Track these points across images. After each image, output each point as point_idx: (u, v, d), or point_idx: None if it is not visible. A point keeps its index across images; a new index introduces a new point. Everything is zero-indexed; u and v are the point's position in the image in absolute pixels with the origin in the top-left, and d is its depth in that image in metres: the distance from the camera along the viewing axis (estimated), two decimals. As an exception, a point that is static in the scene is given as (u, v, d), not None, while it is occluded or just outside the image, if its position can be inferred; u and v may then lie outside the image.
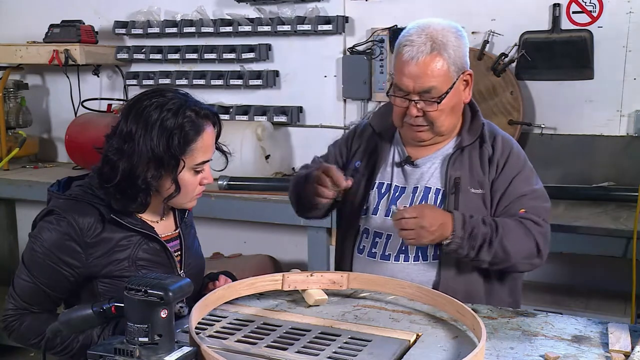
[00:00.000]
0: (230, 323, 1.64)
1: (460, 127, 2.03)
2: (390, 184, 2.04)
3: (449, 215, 1.87)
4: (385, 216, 2.01)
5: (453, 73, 1.92)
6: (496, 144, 2.00)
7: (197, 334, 1.45)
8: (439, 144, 2.02)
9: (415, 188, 2.00)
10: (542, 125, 3.22)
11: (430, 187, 1.99)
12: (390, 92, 1.99)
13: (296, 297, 1.84)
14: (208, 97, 3.83)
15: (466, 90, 1.99)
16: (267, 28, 3.67)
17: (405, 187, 2.02)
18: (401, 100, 1.95)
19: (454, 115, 1.98)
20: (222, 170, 1.85)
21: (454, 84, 1.92)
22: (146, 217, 1.76)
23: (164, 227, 1.81)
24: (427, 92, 1.91)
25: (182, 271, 1.80)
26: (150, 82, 3.97)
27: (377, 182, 2.06)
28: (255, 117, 3.74)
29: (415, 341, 1.56)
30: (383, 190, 2.04)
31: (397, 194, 2.02)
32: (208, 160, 1.73)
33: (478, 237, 1.85)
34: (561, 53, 3.16)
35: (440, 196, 1.97)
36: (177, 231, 1.84)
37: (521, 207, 1.93)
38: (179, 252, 1.82)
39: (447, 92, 1.91)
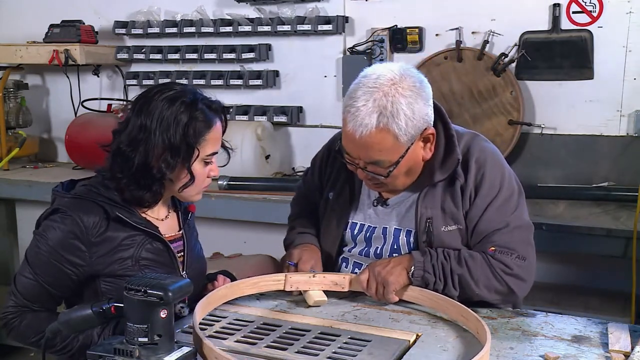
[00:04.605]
0: (230, 323, 1.65)
1: (432, 162, 1.85)
2: (364, 224, 1.97)
3: (402, 254, 1.85)
4: (359, 254, 1.97)
5: (405, 142, 1.72)
6: (469, 171, 1.83)
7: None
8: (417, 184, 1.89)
9: (385, 228, 1.92)
10: (542, 125, 3.22)
11: (401, 229, 1.90)
12: (339, 150, 1.83)
13: (296, 298, 1.84)
14: (210, 94, 3.82)
15: (427, 147, 1.81)
16: (267, 28, 3.66)
17: (376, 227, 1.94)
18: (349, 162, 1.82)
19: (410, 175, 1.84)
20: (224, 165, 1.87)
21: (407, 150, 1.74)
22: (151, 216, 1.77)
23: (168, 227, 1.82)
24: (373, 163, 1.76)
25: (184, 272, 1.80)
26: (150, 82, 3.97)
27: (350, 221, 1.99)
28: (255, 117, 3.74)
29: (415, 341, 1.56)
30: (356, 231, 1.98)
31: (368, 234, 1.95)
32: (216, 152, 1.77)
33: (439, 267, 1.76)
34: (561, 53, 3.16)
35: (412, 238, 1.88)
36: (180, 232, 1.85)
37: (491, 244, 1.79)
38: (182, 253, 1.83)
39: (397, 163, 1.75)
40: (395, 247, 1.91)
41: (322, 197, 2.08)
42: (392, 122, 1.68)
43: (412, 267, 1.77)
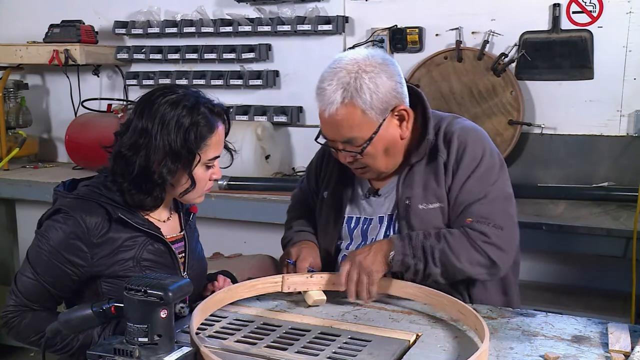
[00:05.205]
0: (230, 323, 1.65)
1: (411, 144, 1.89)
2: (360, 217, 1.98)
3: (381, 240, 1.85)
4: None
5: (375, 117, 1.77)
6: (451, 146, 1.85)
7: (197, 334, 1.45)
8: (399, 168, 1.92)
9: (381, 218, 1.94)
10: (542, 125, 3.22)
11: (392, 215, 1.91)
12: (319, 138, 1.89)
13: (296, 298, 1.84)
14: (212, 96, 3.82)
15: (403, 125, 1.84)
16: (267, 28, 3.67)
17: (372, 218, 1.96)
18: (330, 146, 1.87)
19: (391, 155, 1.86)
20: (227, 167, 1.87)
21: (379, 127, 1.78)
22: (153, 217, 1.77)
23: (170, 228, 1.82)
24: (348, 142, 1.80)
25: (185, 273, 1.80)
26: (150, 82, 3.97)
27: (346, 216, 2.00)
28: (255, 117, 3.74)
29: (415, 341, 1.56)
30: (353, 225, 1.99)
31: (365, 226, 1.97)
32: (218, 156, 1.76)
33: (419, 247, 1.77)
34: (561, 53, 3.16)
35: (392, 221, 1.90)
36: (182, 233, 1.85)
37: (469, 216, 1.80)
38: (183, 254, 1.83)
39: (370, 139, 1.78)
40: (387, 233, 1.92)
41: (318, 198, 2.09)
42: (356, 96, 1.74)
43: (392, 252, 1.77)
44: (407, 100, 1.85)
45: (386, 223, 1.93)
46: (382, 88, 1.76)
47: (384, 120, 1.79)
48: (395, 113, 1.81)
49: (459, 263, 1.77)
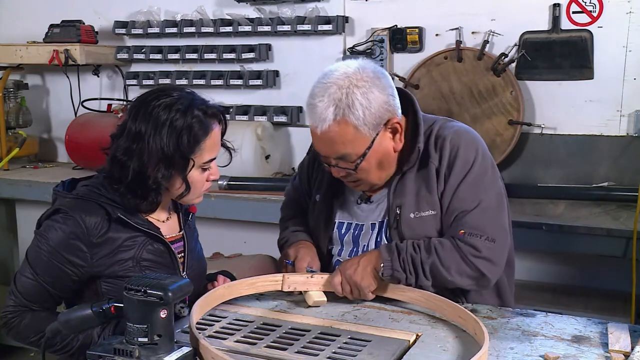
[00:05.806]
0: (230, 323, 1.65)
1: (402, 152, 1.86)
2: (351, 223, 1.97)
3: (371, 251, 1.84)
4: (349, 257, 1.96)
5: (368, 132, 1.73)
6: (444, 151, 1.83)
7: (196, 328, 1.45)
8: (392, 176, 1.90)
9: (373, 225, 1.93)
10: (542, 125, 3.22)
11: (383, 222, 1.90)
12: (311, 152, 1.86)
13: (296, 298, 1.84)
14: (208, 97, 3.82)
15: (396, 138, 1.81)
16: (267, 28, 3.67)
17: (364, 224, 1.95)
18: (323, 161, 1.86)
19: (384, 168, 1.84)
20: (225, 166, 1.86)
21: (372, 142, 1.75)
22: (152, 217, 1.76)
23: (169, 228, 1.81)
24: (341, 158, 1.78)
25: (184, 273, 1.80)
26: (150, 82, 3.97)
27: (337, 221, 1.99)
28: (255, 117, 3.74)
29: (415, 341, 1.56)
30: (344, 231, 1.98)
31: (356, 232, 1.96)
32: (214, 158, 1.74)
33: (408, 261, 1.76)
34: (561, 53, 3.16)
35: (383, 228, 1.89)
36: (181, 233, 1.85)
37: (461, 227, 1.77)
38: (183, 254, 1.82)
39: (364, 155, 1.76)
40: (378, 239, 1.91)
41: (311, 200, 2.08)
42: (348, 113, 1.71)
43: (382, 266, 1.77)
44: (399, 111, 1.82)
45: (377, 230, 1.92)
46: (374, 103, 1.72)
47: (377, 135, 1.76)
48: (389, 126, 1.79)
49: (450, 276, 1.76)
